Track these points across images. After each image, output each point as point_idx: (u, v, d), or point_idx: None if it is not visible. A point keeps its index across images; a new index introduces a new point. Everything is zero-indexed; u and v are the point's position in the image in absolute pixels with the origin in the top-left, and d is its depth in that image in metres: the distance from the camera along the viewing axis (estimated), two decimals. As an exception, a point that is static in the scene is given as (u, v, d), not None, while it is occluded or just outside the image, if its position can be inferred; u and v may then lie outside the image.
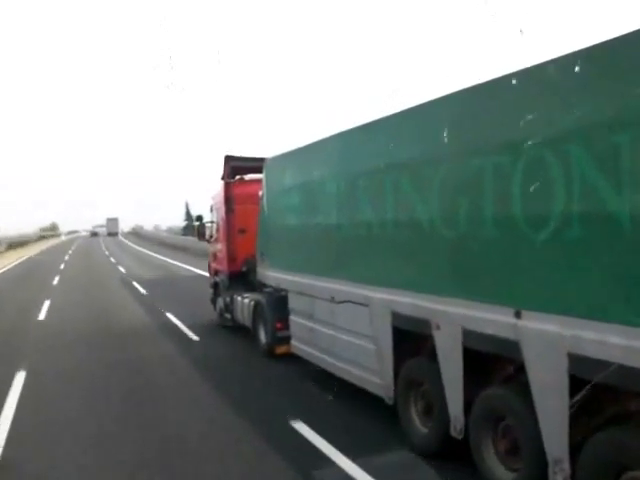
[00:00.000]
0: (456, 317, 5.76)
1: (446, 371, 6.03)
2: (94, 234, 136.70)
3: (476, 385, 5.77)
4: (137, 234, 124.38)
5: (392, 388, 7.00)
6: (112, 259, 45.29)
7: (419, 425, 6.73)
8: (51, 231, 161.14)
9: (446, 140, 5.94)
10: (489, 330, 5.37)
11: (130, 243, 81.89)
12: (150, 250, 56.76)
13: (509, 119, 5.13)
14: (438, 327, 6.05)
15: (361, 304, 7.43)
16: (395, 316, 6.77)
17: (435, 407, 6.38)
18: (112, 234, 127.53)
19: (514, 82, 5.09)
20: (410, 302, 6.46)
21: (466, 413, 5.83)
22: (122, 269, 35.19)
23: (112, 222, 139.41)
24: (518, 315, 5.05)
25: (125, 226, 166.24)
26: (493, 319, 5.31)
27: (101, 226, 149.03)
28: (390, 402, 7.07)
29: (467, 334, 5.64)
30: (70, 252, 61.21)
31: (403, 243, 6.65)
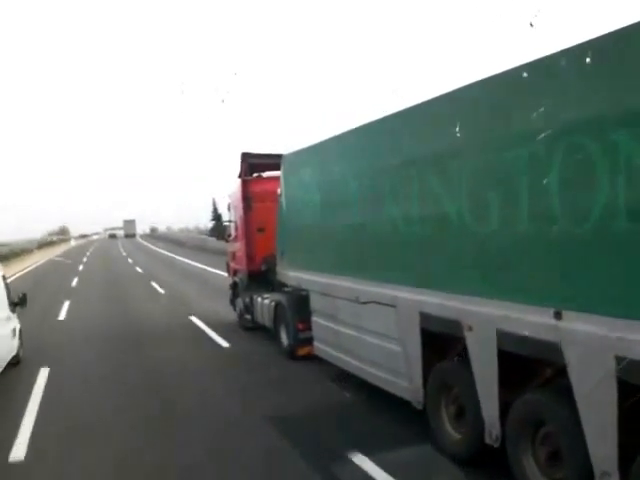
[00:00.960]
0: (490, 318, 5.44)
1: (479, 375, 5.71)
2: (112, 236, 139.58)
3: (512, 389, 5.45)
4: (151, 236, 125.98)
5: (421, 392, 6.69)
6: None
7: (451, 430, 6.41)
8: (61, 235, 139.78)
9: (475, 131, 5.63)
10: (526, 332, 5.05)
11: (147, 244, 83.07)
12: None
13: (546, 106, 4.79)
14: (470, 329, 5.73)
15: (387, 305, 7.13)
16: (423, 317, 6.45)
17: (468, 412, 6.06)
18: (129, 236, 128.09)
19: (552, 66, 4.76)
20: (439, 302, 6.14)
21: (502, 419, 5.51)
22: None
23: (129, 224, 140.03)
24: (558, 316, 4.72)
25: (145, 228, 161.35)
26: (530, 320, 4.98)
27: (119, 228, 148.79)
28: (419, 406, 6.76)
29: (502, 336, 5.32)
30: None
31: (431, 241, 6.33)
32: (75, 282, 29.73)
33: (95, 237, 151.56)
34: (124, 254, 56.05)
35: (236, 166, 13.46)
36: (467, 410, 6.07)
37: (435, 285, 6.24)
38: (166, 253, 52.15)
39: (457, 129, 5.83)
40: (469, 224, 5.68)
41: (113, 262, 46.61)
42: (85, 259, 52.67)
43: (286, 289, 11.92)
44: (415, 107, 6.51)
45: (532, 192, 4.95)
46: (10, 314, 11.56)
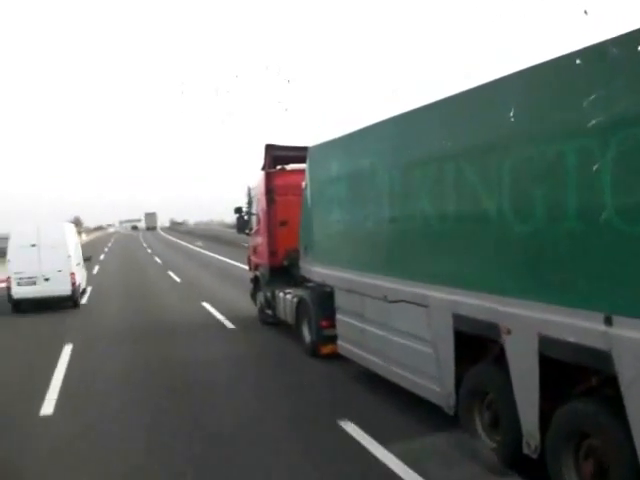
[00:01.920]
0: (531, 322, 5.11)
1: (518, 381, 5.39)
2: (134, 227, 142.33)
3: (554, 398, 5.12)
4: (171, 229, 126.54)
5: (453, 397, 6.37)
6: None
7: (485, 438, 6.09)
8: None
9: (518, 122, 5.28)
10: (572, 338, 4.72)
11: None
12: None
13: (599, 96, 4.44)
14: (509, 332, 5.41)
15: (418, 304, 6.81)
16: (457, 318, 6.13)
17: (504, 420, 5.74)
18: (150, 228, 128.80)
19: (606, 53, 4.40)
20: (475, 304, 5.82)
21: (542, 429, 5.18)
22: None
23: (150, 216, 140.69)
24: (609, 322, 4.38)
25: (164, 221, 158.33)
26: (577, 325, 4.64)
27: (136, 220, 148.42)
28: (450, 412, 6.45)
29: (544, 341, 4.99)
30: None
31: (467, 238, 6.00)
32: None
33: (111, 230, 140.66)
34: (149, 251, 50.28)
35: (257, 159, 13.19)
36: (503, 418, 5.75)
37: (471, 285, 5.92)
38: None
39: (500, 120, 5.49)
40: (511, 221, 5.35)
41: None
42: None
43: (309, 284, 11.65)
44: (452, 98, 6.18)
45: (581, 188, 4.62)
46: (82, 262, 20.50)
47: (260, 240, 13.88)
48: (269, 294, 13.19)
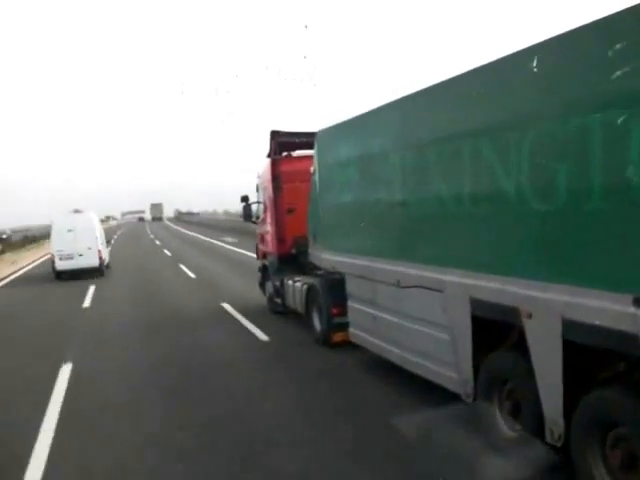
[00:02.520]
0: (554, 305, 4.88)
1: (540, 367, 5.16)
2: (141, 219, 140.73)
3: (579, 384, 4.89)
4: (178, 219, 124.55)
5: (470, 384, 6.16)
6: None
7: (504, 427, 5.88)
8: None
9: (539, 95, 5.03)
10: (597, 320, 4.48)
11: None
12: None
13: (624, 62, 4.19)
14: (530, 316, 5.18)
15: (433, 289, 6.60)
16: (475, 303, 5.91)
17: (525, 408, 5.52)
18: (156, 219, 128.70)
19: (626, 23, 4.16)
20: (494, 287, 5.59)
21: (566, 417, 4.96)
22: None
23: (156, 207, 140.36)
24: (638, 303, 4.15)
25: (169, 212, 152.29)
26: (604, 307, 4.41)
27: (139, 212, 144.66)
28: (468, 399, 6.24)
29: (568, 325, 4.75)
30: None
31: (485, 219, 5.76)
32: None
33: (113, 222, 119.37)
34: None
35: (257, 152, 12.82)
36: (524, 406, 5.53)
37: (489, 268, 5.68)
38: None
39: (519, 94, 5.25)
40: (530, 201, 5.10)
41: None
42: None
43: (318, 272, 11.45)
44: (468, 73, 5.92)
45: (607, 164, 4.37)
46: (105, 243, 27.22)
47: (267, 228, 13.66)
48: (278, 283, 12.99)
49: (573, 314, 4.69)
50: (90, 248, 24.69)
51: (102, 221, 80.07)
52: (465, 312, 6.04)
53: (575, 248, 4.71)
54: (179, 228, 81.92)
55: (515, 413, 5.71)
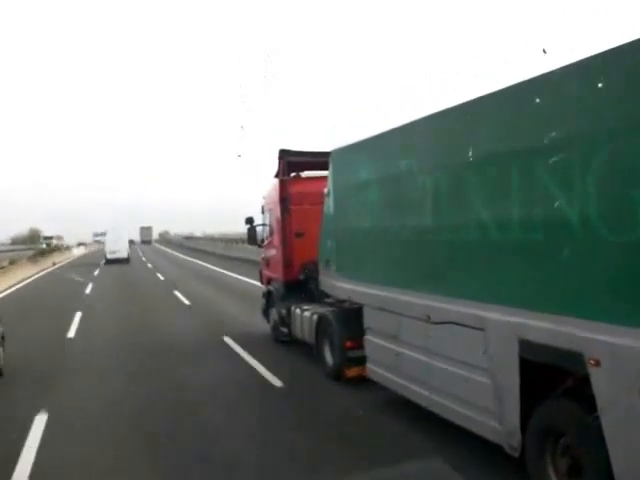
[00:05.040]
0: (630, 353, 4.18)
1: (611, 424, 4.42)
2: (131, 242, 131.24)
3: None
4: (170, 242, 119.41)
5: (517, 436, 5.40)
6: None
7: (560, 489, 5.13)
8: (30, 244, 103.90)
9: (610, 107, 4.38)
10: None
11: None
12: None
13: None
14: (597, 363, 4.46)
15: (471, 327, 5.88)
16: (525, 345, 5.19)
17: (588, 468, 4.78)
18: (146, 242, 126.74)
19: None
20: (549, 328, 4.89)
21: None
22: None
23: (146, 230, 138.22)
24: None
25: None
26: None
27: (100, 235, 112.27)
28: (514, 453, 5.49)
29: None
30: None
31: (540, 251, 5.06)
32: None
33: (75, 252, 78.96)
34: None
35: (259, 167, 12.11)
36: (587, 465, 4.78)
37: (543, 306, 4.98)
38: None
39: (585, 107, 4.58)
40: (599, 231, 4.42)
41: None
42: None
43: (328, 300, 10.74)
44: (518, 85, 5.27)
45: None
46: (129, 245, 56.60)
47: (274, 252, 12.95)
48: (284, 310, 12.21)
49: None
50: (124, 247, 52.92)
51: (67, 248, 78.19)
52: (512, 354, 5.31)
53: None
54: (195, 260, 52.83)
55: (575, 474, 4.96)
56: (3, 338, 11.32)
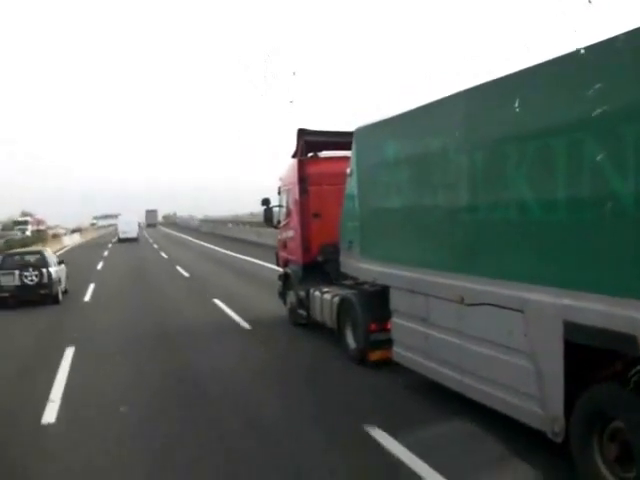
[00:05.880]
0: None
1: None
2: (139, 225, 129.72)
3: None
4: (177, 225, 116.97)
5: (561, 422, 5.22)
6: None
7: (607, 475, 4.94)
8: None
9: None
10: None
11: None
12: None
13: None
14: (652, 347, 4.27)
15: (509, 309, 5.68)
16: (570, 327, 4.99)
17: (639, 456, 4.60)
18: (151, 225, 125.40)
19: None
20: (600, 309, 4.68)
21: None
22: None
23: (151, 213, 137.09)
24: None
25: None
26: None
27: (112, 216, 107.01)
28: (557, 439, 5.31)
29: None
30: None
31: (587, 229, 4.83)
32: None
33: (67, 242, 64.14)
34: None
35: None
36: (638, 451, 4.60)
37: (592, 286, 4.77)
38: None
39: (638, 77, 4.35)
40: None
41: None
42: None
43: (346, 282, 10.55)
44: (563, 58, 5.02)
45: None
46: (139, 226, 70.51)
47: (291, 234, 12.73)
48: (302, 293, 12.02)
49: None
50: (134, 229, 63.27)
51: (55, 237, 61.49)
52: (556, 337, 5.11)
53: None
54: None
55: (623, 459, 4.78)
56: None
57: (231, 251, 35.20)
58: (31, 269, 17.87)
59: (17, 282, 17.72)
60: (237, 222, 61.75)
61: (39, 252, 19.93)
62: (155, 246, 49.09)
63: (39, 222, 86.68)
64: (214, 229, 66.00)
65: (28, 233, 69.65)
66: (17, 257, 19.60)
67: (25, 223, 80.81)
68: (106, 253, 42.11)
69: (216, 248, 40.19)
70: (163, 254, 37.73)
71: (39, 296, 17.76)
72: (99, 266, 31.26)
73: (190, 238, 60.03)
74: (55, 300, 18.13)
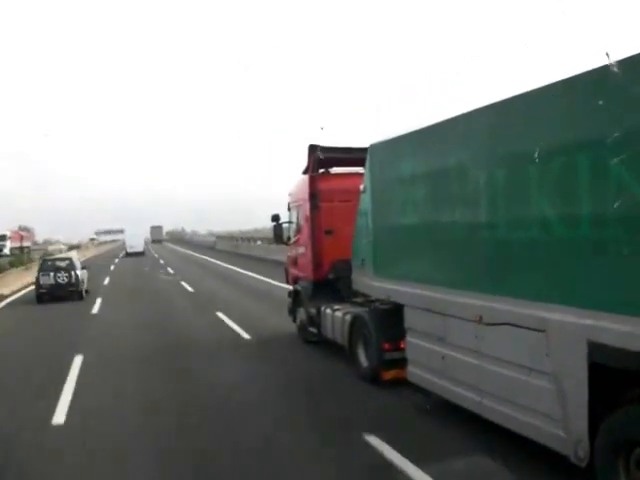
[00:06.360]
0: None
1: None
2: (157, 241, 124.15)
3: None
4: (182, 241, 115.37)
5: (585, 446, 5.08)
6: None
7: (634, 501, 4.81)
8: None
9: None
10: None
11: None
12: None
13: None
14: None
15: (531, 329, 5.57)
16: (595, 348, 4.87)
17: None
18: (156, 241, 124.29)
19: None
20: (625, 330, 4.57)
21: None
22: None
23: (156, 229, 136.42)
24: None
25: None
26: None
27: (119, 231, 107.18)
28: (581, 463, 5.17)
29: None
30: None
31: (610, 248, 4.73)
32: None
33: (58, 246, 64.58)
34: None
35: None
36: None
37: (620, 307, 4.66)
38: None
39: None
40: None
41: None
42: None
43: (357, 300, 10.45)
44: (587, 74, 4.94)
45: None
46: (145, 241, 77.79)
47: (302, 251, 12.64)
48: (313, 310, 11.91)
49: None
50: (140, 243, 68.61)
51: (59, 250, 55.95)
52: (580, 358, 5.00)
53: None
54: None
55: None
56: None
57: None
58: (62, 271, 23.14)
59: (52, 281, 22.95)
60: (262, 238, 47.25)
61: (69, 259, 25.17)
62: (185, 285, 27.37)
63: (22, 237, 74.71)
64: (236, 248, 54.17)
65: (6, 251, 58.78)
66: (50, 262, 24.59)
67: (3, 238, 65.16)
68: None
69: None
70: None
71: (68, 292, 22.87)
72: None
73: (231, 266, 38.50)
74: (80, 296, 23.14)
